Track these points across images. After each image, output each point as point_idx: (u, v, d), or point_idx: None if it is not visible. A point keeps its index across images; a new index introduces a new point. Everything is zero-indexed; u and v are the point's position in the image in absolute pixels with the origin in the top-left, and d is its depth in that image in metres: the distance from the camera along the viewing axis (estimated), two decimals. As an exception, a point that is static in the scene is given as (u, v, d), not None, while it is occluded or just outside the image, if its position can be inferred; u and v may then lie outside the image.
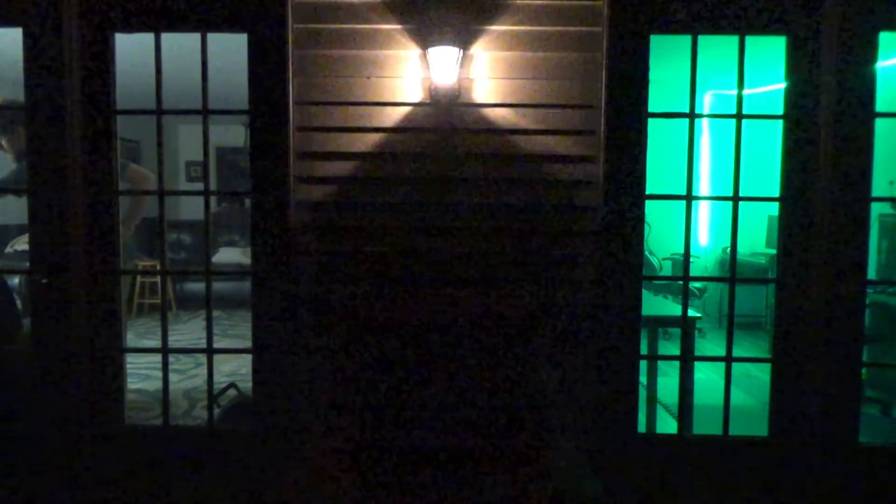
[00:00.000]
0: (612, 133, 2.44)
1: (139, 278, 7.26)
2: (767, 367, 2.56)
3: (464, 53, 2.41)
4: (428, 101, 2.45)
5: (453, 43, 2.39)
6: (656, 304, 3.79)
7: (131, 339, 5.94)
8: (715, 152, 7.08)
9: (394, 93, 2.46)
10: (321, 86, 2.46)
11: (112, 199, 2.50)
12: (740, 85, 2.50)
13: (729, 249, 4.36)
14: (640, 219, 2.48)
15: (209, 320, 2.59)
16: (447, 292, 2.46)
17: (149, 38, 2.47)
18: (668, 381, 4.43)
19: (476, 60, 2.45)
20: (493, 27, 2.44)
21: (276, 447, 2.49)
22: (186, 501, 2.56)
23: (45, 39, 2.43)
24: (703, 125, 7.05)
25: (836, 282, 2.46)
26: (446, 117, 2.46)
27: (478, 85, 2.46)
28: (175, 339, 5.86)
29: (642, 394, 3.16)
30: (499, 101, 2.45)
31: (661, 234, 6.40)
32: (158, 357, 2.73)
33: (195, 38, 2.47)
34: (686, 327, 2.70)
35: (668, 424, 3.84)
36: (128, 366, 2.69)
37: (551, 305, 2.47)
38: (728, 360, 2.56)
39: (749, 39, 2.45)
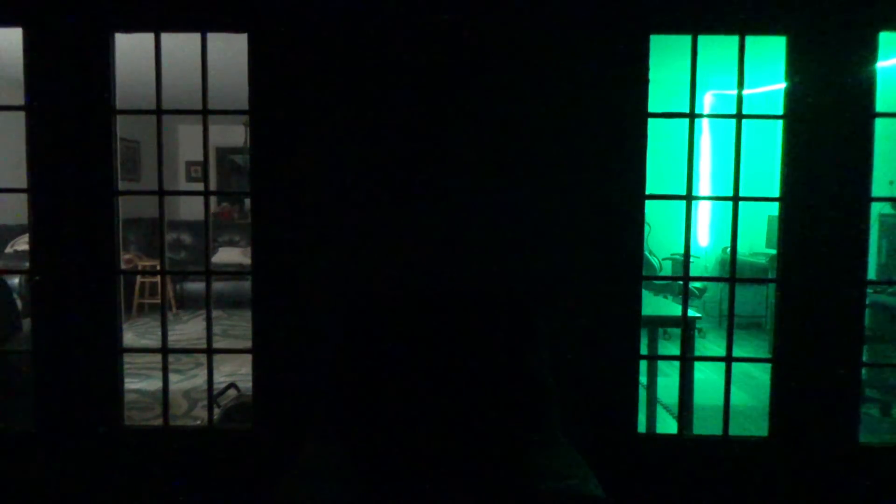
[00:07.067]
0: (612, 133, 2.44)
1: (139, 278, 7.28)
2: (767, 367, 2.56)
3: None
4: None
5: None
6: (656, 304, 3.79)
7: (131, 339, 5.95)
8: (715, 152, 7.09)
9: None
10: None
11: (112, 200, 2.49)
12: (740, 85, 2.50)
13: (729, 249, 4.36)
14: (640, 219, 2.48)
15: (209, 320, 2.59)
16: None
17: (149, 38, 2.47)
18: (668, 381, 4.43)
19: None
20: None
21: (275, 447, 2.49)
22: (186, 502, 2.56)
23: (45, 39, 2.43)
24: (703, 125, 7.06)
25: (836, 282, 2.46)
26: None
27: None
28: (175, 339, 5.86)
29: (642, 394, 3.16)
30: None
31: (661, 234, 6.41)
32: (158, 357, 2.73)
33: (195, 38, 2.47)
34: (686, 327, 2.70)
35: (668, 424, 3.84)
36: (127, 366, 2.69)
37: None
38: (728, 360, 2.56)
39: (749, 39, 2.45)
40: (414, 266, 2.50)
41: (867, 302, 2.78)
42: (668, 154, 3.86)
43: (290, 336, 2.50)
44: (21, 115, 2.46)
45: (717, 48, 3.19)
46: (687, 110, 2.48)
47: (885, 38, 2.40)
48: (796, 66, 2.43)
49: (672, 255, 6.91)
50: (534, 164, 2.47)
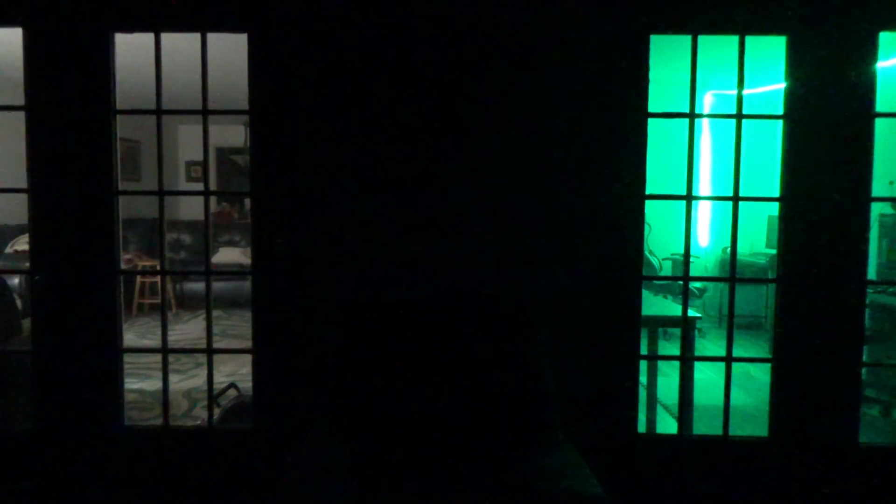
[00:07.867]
0: (612, 133, 2.44)
1: (139, 278, 7.28)
2: (767, 367, 2.56)
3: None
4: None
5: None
6: (656, 304, 3.78)
7: (131, 339, 5.95)
8: (715, 152, 7.09)
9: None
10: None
11: (112, 199, 2.49)
12: (740, 85, 2.50)
13: (729, 249, 4.36)
14: (640, 219, 2.48)
15: (209, 320, 2.59)
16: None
17: (149, 38, 2.47)
18: (668, 381, 4.44)
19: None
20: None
21: (275, 447, 2.49)
22: (186, 502, 2.56)
23: (45, 39, 2.43)
24: (704, 125, 7.06)
25: (836, 282, 2.46)
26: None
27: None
28: (175, 339, 5.85)
29: (642, 394, 3.16)
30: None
31: (661, 234, 6.40)
32: (158, 357, 2.73)
33: (195, 38, 2.47)
34: (686, 327, 2.70)
35: (668, 424, 3.85)
36: (127, 366, 2.68)
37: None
38: (728, 360, 2.56)
39: (749, 39, 2.45)
40: (414, 266, 2.50)
41: (867, 302, 2.77)
42: (668, 154, 3.86)
43: (290, 336, 2.50)
44: (21, 115, 2.46)
45: (717, 48, 3.19)
46: (687, 110, 2.48)
47: (885, 38, 2.40)
48: (796, 66, 2.43)
49: (672, 255, 6.91)
50: (533, 164, 2.47)
